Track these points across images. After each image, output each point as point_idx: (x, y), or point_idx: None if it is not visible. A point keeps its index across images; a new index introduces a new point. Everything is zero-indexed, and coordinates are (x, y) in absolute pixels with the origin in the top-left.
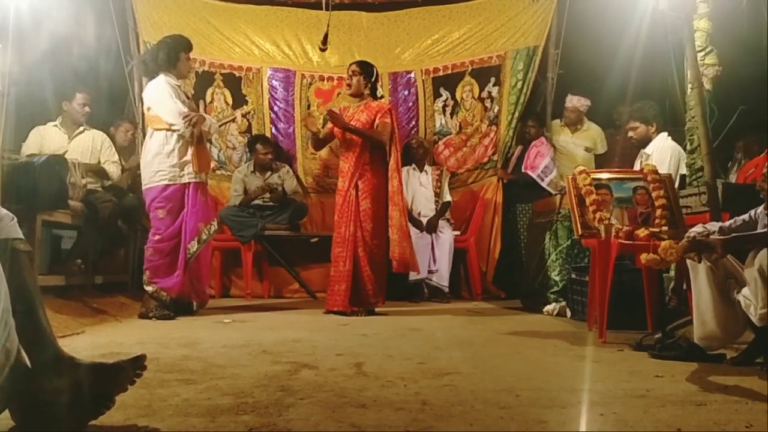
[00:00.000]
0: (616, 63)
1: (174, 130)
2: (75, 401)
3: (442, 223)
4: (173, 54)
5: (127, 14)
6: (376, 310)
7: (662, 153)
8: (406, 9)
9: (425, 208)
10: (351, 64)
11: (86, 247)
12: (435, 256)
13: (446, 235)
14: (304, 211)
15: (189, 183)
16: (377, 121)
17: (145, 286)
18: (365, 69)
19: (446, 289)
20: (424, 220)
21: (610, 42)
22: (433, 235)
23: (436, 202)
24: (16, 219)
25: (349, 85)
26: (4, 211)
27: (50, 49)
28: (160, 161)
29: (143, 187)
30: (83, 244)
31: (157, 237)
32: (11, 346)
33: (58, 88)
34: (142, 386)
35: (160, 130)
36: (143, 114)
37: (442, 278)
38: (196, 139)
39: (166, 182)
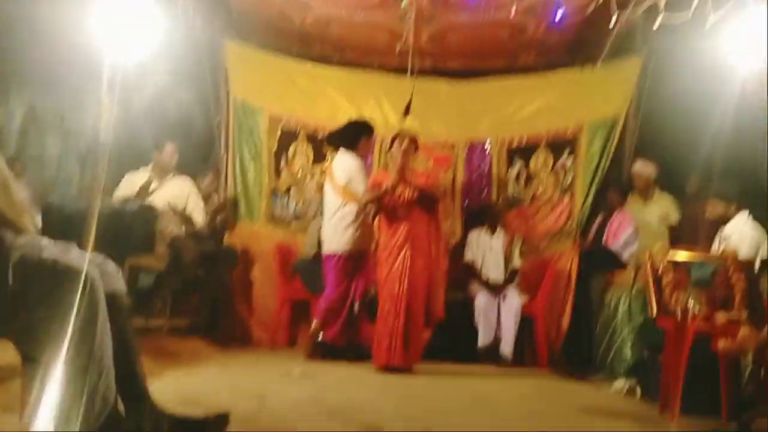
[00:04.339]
0: (701, 136)
1: (363, 207)
2: None
3: (509, 287)
4: (356, 138)
5: (220, 71)
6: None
7: (742, 235)
8: (485, 77)
9: (494, 273)
10: (407, 136)
11: (166, 291)
12: (501, 321)
13: (513, 299)
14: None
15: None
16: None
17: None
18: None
19: (507, 357)
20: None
21: (695, 114)
22: (500, 298)
23: (506, 267)
24: (120, 271)
25: (409, 151)
26: (112, 264)
27: (149, 100)
28: (356, 229)
29: (340, 251)
30: (163, 287)
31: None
32: (110, 394)
33: (151, 137)
34: None
35: (351, 202)
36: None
37: (506, 343)
38: None
39: (363, 248)
